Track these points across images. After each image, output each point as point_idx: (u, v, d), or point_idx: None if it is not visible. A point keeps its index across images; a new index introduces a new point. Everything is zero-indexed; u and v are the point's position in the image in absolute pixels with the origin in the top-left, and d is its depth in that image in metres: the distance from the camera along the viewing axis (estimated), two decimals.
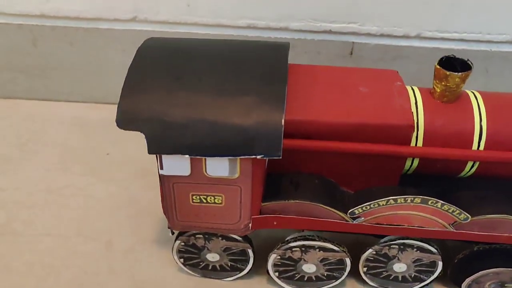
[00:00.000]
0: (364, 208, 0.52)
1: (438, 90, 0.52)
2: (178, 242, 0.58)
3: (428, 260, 0.57)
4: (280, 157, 0.47)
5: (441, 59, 0.52)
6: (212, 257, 0.59)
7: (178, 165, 0.49)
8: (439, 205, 0.51)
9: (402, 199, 0.51)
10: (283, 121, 0.46)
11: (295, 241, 0.56)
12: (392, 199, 0.51)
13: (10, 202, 0.71)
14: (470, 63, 0.51)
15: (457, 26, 0.77)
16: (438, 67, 0.51)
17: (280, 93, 0.48)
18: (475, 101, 0.53)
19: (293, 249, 0.57)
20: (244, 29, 0.79)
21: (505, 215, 0.52)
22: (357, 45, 0.80)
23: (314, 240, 0.56)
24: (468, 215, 0.52)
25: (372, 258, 0.58)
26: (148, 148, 0.47)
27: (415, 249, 0.56)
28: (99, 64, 0.84)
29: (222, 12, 0.77)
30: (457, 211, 0.52)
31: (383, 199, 0.51)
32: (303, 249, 0.56)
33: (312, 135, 0.50)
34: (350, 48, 0.80)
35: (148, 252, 0.65)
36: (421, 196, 0.51)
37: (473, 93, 0.54)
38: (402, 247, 0.56)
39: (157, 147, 0.47)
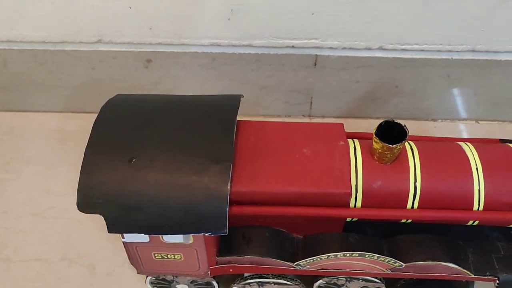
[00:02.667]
0: (308, 261, 0.58)
1: (377, 154, 0.55)
2: (149, 277, 0.65)
3: (374, 287, 0.64)
4: (226, 234, 0.52)
5: (380, 124, 0.55)
6: (182, 287, 0.66)
7: (137, 235, 0.55)
8: (375, 257, 0.57)
9: (342, 254, 0.57)
10: (227, 204, 0.51)
11: (252, 278, 0.63)
12: (333, 254, 0.57)
13: (1, 228, 0.77)
14: (406, 130, 0.54)
15: (417, 38, 0.78)
16: (375, 137, 0.54)
17: (226, 174, 0.52)
18: (412, 159, 0.57)
19: (251, 284, 0.64)
20: (207, 46, 0.80)
21: (436, 262, 0.58)
22: (320, 57, 0.81)
23: (269, 278, 0.62)
24: (402, 263, 0.58)
25: (323, 286, 0.65)
26: (107, 229, 0.52)
27: (360, 280, 0.63)
28: (69, 80, 0.86)
29: (185, 33, 0.78)
30: (392, 261, 0.57)
31: (324, 254, 0.57)
32: (259, 284, 0.63)
33: (259, 202, 0.55)
34: (313, 60, 0.81)
35: (127, 275, 0.72)
36: (358, 252, 0.57)
37: (412, 148, 0.58)
38: (349, 278, 0.63)
39: (115, 227, 0.52)
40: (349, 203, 0.55)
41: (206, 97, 0.61)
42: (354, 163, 0.56)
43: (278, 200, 0.55)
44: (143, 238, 0.55)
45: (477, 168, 0.56)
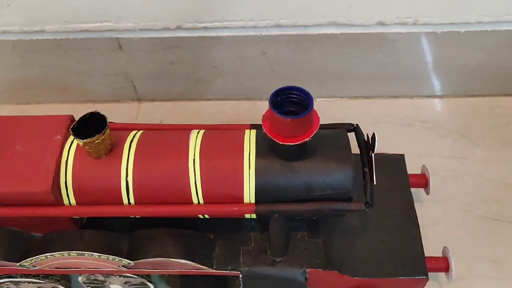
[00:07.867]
0: (31, 261, 0.55)
1: (84, 149, 0.52)
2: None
3: (136, 282, 0.62)
4: None
5: (84, 116, 0.51)
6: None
7: None
8: (96, 256, 0.54)
9: (59, 254, 0.54)
10: None
11: (2, 278, 0.60)
12: (50, 254, 0.54)
13: None
14: (106, 121, 0.50)
15: (216, 16, 0.73)
16: (71, 131, 0.50)
17: None
18: (127, 152, 0.53)
19: (6, 283, 0.61)
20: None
21: (166, 259, 0.55)
22: (123, 40, 0.77)
23: (17, 277, 0.60)
24: (130, 262, 0.55)
25: (87, 282, 0.62)
26: None
27: (118, 276, 0.60)
28: None
29: None
30: (118, 259, 0.54)
31: (42, 255, 0.54)
32: (14, 283, 0.61)
33: None
34: (117, 43, 0.77)
35: None
36: (75, 251, 0.54)
37: (132, 140, 0.54)
38: (106, 275, 0.60)
39: None
40: (56, 201, 0.52)
41: None
42: (66, 159, 0.53)
43: None
44: None
45: (194, 159, 0.52)
